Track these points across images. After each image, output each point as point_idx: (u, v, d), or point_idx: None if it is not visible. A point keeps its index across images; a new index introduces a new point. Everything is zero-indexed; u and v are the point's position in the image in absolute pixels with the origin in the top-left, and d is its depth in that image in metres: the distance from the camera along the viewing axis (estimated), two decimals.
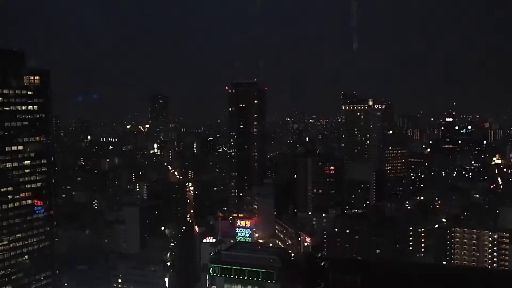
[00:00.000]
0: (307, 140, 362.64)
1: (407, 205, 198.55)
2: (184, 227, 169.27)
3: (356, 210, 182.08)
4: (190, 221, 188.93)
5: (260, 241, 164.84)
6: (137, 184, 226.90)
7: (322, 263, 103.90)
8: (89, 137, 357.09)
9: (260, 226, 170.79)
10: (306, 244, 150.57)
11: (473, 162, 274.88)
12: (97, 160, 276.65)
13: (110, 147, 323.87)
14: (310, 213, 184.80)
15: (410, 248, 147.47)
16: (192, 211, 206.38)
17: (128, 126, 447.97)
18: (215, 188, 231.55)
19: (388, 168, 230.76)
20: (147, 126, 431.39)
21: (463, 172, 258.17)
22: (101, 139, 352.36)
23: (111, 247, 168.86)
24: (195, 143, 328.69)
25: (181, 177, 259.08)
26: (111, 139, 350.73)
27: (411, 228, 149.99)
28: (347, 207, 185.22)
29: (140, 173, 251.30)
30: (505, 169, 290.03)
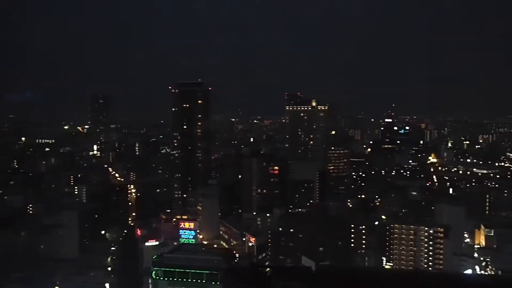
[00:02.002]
0: (251, 140, 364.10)
1: (349, 204, 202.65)
2: (125, 231, 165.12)
3: (300, 209, 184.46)
4: (132, 224, 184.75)
5: (204, 242, 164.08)
6: (76, 187, 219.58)
7: (265, 271, 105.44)
8: (23, 138, 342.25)
9: (205, 228, 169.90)
10: (251, 244, 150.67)
11: (410, 161, 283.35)
12: (32, 163, 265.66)
13: (47, 149, 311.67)
14: (255, 213, 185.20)
15: (352, 245, 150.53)
16: (134, 213, 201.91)
17: (66, 127, 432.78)
18: (158, 190, 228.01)
19: (331, 167, 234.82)
20: (86, 127, 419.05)
21: (402, 171, 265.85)
22: (37, 141, 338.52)
23: (49, 252, 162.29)
24: (137, 144, 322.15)
25: (122, 179, 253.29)
26: (48, 141, 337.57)
27: (352, 225, 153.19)
28: (292, 206, 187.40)
29: (79, 175, 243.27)
30: (440, 168, 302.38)
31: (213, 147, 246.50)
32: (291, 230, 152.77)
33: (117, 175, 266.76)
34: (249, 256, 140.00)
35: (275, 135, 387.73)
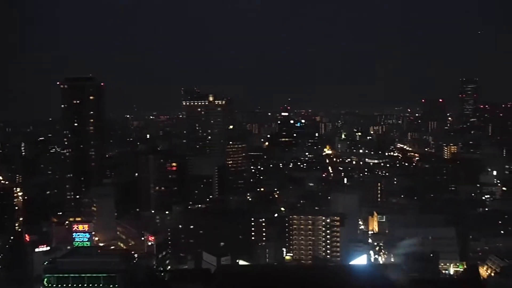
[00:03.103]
0: (148, 137, 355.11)
1: (248, 197, 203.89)
2: (12, 237, 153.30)
3: (200, 205, 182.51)
4: (20, 229, 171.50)
5: (101, 244, 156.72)
6: None
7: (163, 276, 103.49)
8: None
9: (100, 229, 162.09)
10: (150, 243, 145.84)
11: (307, 154, 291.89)
12: None
13: None
14: (153, 211, 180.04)
15: (253, 238, 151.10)
16: (21, 218, 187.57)
17: None
18: (48, 192, 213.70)
19: (230, 162, 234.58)
20: None
21: (299, 163, 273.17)
22: None
23: None
24: (23, 144, 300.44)
25: (7, 182, 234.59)
26: None
27: (252, 219, 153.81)
28: (191, 202, 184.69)
29: None
30: (334, 159, 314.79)
31: (107, 145, 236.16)
32: (191, 226, 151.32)
33: (0, 177, 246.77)
34: (148, 256, 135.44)
35: (172, 131, 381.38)
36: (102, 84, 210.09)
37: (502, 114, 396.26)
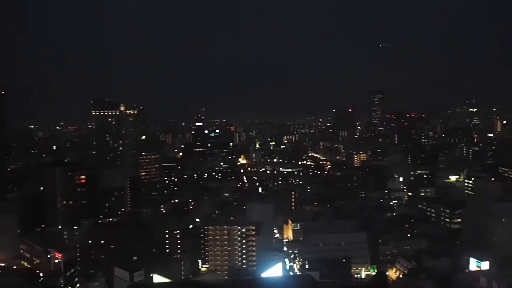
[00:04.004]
0: (54, 149, 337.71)
1: (162, 209, 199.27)
2: None
3: (111, 219, 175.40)
4: None
5: (2, 264, 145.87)
6: None
7: None
8: None
9: (1, 247, 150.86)
10: (57, 261, 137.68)
11: (221, 164, 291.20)
12: None
13: None
14: (60, 227, 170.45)
15: (167, 250, 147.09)
16: None
17: None
18: None
19: (143, 173, 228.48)
20: None
21: (213, 173, 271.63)
22: None
23: None
24: None
25: None
26: None
27: (167, 231, 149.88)
28: (102, 216, 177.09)
29: None
30: (249, 168, 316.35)
31: (9, 157, 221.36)
32: (102, 241, 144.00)
33: None
34: (55, 274, 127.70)
35: (80, 142, 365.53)
36: (2, 92, 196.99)
37: (406, 123, 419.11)
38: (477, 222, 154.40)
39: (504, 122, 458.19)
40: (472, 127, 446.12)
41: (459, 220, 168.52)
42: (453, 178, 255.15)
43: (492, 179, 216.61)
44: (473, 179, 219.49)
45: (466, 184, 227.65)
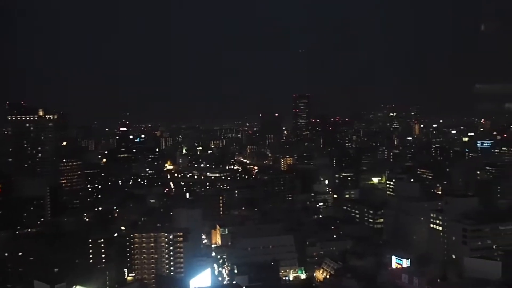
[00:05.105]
0: None
1: (85, 218, 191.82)
2: None
3: (29, 230, 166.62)
4: None
5: None
6: None
7: None
8: None
9: None
10: None
11: (147, 169, 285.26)
12: None
13: None
14: None
15: (91, 260, 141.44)
16: None
17: None
18: None
19: (64, 181, 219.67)
20: None
21: (139, 180, 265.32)
22: None
23: None
24: None
25: None
26: None
27: (90, 240, 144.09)
28: (19, 227, 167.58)
29: None
30: (176, 174, 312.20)
31: None
32: (20, 253, 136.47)
33: None
34: None
35: None
36: None
37: (331, 127, 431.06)
38: (397, 221, 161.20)
39: (422, 125, 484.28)
40: (392, 130, 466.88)
41: (382, 220, 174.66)
42: (375, 180, 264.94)
43: (412, 180, 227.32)
44: (394, 180, 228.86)
45: (387, 185, 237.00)
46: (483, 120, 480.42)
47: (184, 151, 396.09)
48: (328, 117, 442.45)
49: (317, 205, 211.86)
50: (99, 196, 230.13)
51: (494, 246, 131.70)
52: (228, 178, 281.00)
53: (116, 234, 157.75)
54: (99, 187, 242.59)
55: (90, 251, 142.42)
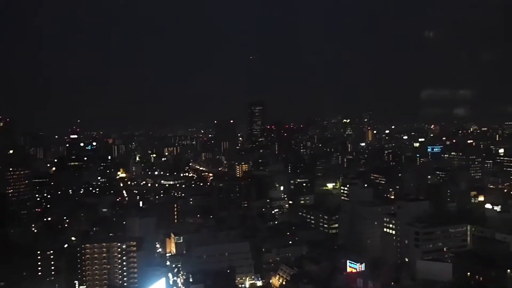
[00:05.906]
0: None
1: (33, 228, 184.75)
2: None
3: None
4: None
5: None
6: None
7: None
8: None
9: None
10: None
11: (99, 178, 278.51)
12: None
13: None
14: None
15: (40, 273, 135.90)
16: None
17: None
18: None
19: (10, 190, 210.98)
20: None
21: (90, 188, 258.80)
22: None
23: None
24: None
25: None
26: None
27: (39, 251, 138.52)
28: None
29: None
30: (129, 182, 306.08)
31: None
32: None
33: None
34: None
35: None
36: None
37: (286, 133, 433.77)
38: (352, 226, 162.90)
39: (374, 131, 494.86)
40: (346, 136, 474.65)
41: (336, 225, 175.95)
42: (330, 185, 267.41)
43: (365, 185, 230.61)
44: (348, 186, 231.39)
45: (342, 190, 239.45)
46: (432, 126, 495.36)
47: (137, 158, 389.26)
48: (283, 123, 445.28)
49: (273, 212, 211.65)
50: (48, 205, 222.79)
51: (445, 248, 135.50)
52: (183, 186, 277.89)
53: (66, 245, 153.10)
54: (48, 196, 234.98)
55: (39, 263, 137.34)
